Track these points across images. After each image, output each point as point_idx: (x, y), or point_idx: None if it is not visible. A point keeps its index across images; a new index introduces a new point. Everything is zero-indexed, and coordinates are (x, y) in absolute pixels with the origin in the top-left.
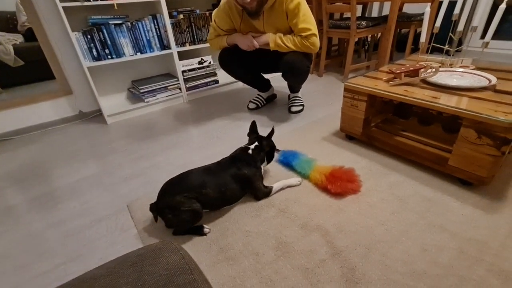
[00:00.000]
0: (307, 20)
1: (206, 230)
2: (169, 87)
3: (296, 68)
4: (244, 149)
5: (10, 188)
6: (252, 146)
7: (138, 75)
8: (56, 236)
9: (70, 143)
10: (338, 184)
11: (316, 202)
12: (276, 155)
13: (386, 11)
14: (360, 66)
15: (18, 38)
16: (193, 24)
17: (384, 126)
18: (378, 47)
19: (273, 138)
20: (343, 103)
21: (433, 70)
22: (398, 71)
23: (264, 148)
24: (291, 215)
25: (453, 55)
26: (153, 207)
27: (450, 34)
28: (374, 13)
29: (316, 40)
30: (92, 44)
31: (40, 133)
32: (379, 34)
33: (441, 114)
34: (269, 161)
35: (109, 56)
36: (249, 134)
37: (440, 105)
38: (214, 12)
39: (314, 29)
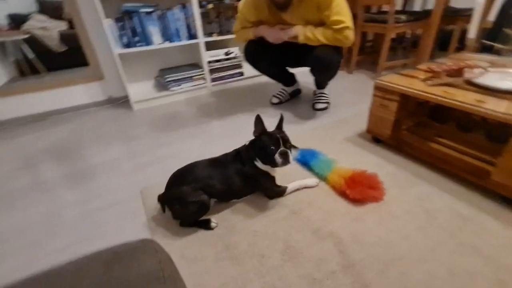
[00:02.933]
0: (341, 12)
1: (213, 224)
2: (194, 77)
3: (326, 63)
4: (244, 145)
5: (36, 166)
6: (247, 143)
7: (165, 64)
8: (72, 215)
9: (98, 127)
10: (358, 190)
11: (332, 207)
12: (294, 153)
13: (430, 5)
14: (396, 64)
15: (64, 25)
16: (221, 14)
17: (417, 130)
18: (417, 44)
19: (293, 136)
20: (372, 102)
21: (481, 70)
22: (438, 70)
23: (255, 145)
24: (304, 218)
25: (508, 54)
26: (161, 198)
27: (504, 29)
28: (417, 8)
29: (350, 34)
30: (123, 31)
31: (72, 114)
32: (420, 31)
33: (485, 120)
34: (264, 162)
35: (139, 44)
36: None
37: (486, 110)
38: (240, 3)
39: (348, 22)
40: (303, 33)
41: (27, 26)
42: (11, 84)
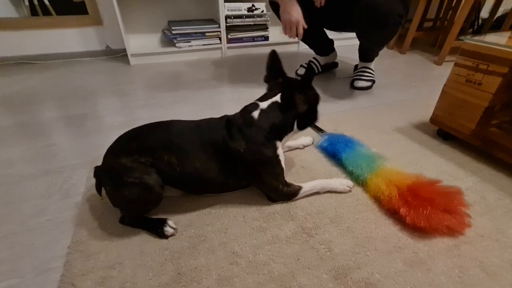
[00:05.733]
0: None
1: (168, 229)
2: (207, 34)
3: (381, 14)
4: (250, 109)
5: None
6: (265, 104)
7: (176, 15)
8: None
9: (85, 78)
10: (424, 212)
11: (373, 233)
12: (320, 138)
13: None
14: None
15: None
16: None
17: None
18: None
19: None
20: (451, 77)
21: None
22: None
23: (297, 105)
24: (321, 245)
25: None
26: (97, 172)
27: None
28: None
29: None
30: None
31: (62, 62)
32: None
33: None
34: (303, 127)
35: None
36: (268, 78)
37: None
38: None
39: None
40: None
41: None
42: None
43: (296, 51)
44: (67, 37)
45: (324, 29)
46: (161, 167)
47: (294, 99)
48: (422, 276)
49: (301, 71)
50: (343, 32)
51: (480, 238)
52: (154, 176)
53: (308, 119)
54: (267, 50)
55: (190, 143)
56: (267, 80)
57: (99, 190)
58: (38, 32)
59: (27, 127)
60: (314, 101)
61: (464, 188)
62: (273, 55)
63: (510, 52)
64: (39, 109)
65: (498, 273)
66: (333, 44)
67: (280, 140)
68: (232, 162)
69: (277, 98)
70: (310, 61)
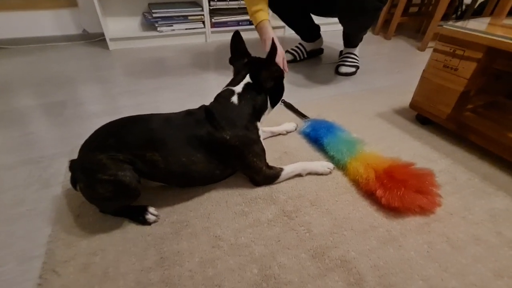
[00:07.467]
0: None
1: (150, 217)
2: (190, 17)
3: (361, 1)
4: (226, 95)
5: None
6: (239, 88)
7: None
8: None
9: (60, 63)
10: (398, 193)
11: (351, 214)
12: (303, 124)
13: None
14: None
15: None
16: None
17: (488, 114)
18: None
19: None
20: (430, 62)
21: None
22: None
23: (264, 82)
24: (301, 227)
25: None
26: (72, 165)
27: None
28: None
29: None
30: None
31: (37, 47)
32: None
33: None
34: (274, 104)
35: None
36: (233, 60)
37: None
38: None
39: None
40: None
41: None
42: None
43: (282, 37)
44: (40, 20)
45: (311, 14)
46: (142, 164)
47: (263, 77)
48: (394, 252)
49: (287, 56)
50: (328, 17)
51: (449, 216)
52: (130, 173)
53: (277, 95)
54: (252, 35)
55: (173, 139)
56: (232, 62)
57: (74, 185)
58: (8, 14)
59: (2, 116)
60: (279, 76)
61: (437, 169)
62: (236, 36)
63: (485, 37)
64: (14, 97)
65: (462, 247)
66: (319, 30)
67: (259, 120)
68: (218, 151)
69: (248, 79)
70: (296, 46)
